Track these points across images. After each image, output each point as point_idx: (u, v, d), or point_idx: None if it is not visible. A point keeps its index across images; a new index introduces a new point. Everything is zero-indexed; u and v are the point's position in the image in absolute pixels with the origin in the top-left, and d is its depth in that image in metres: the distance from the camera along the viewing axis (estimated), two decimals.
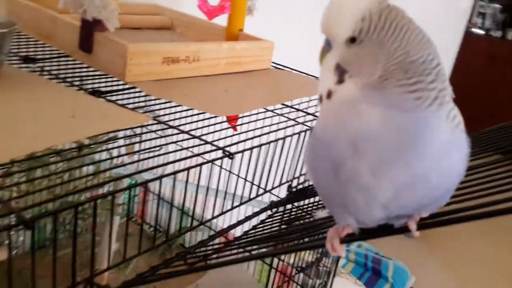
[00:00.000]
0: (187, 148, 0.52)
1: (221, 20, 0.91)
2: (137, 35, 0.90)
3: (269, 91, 0.78)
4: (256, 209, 0.73)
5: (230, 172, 0.85)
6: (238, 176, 0.80)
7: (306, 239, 0.46)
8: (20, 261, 0.88)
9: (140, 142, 0.93)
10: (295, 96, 0.78)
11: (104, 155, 0.85)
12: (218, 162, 0.67)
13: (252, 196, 0.71)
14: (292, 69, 0.93)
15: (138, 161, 0.85)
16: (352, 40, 0.33)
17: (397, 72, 0.32)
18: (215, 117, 0.62)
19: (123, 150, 0.91)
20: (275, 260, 0.96)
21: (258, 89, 0.77)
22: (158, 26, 0.99)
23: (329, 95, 0.34)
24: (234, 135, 0.68)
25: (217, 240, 0.66)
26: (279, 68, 0.94)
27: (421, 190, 0.34)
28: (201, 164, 0.52)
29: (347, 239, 0.38)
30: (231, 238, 0.92)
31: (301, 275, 0.97)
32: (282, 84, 0.84)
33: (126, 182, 0.94)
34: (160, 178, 0.51)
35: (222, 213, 0.66)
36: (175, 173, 0.50)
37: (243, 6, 0.89)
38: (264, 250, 0.50)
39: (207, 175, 0.78)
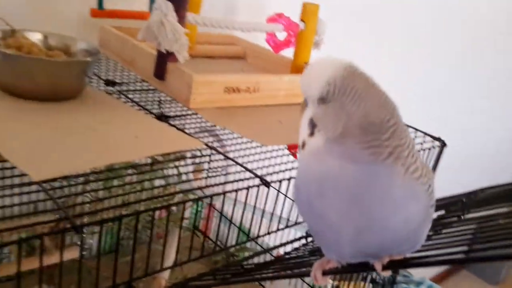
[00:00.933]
0: (231, 173, 0.57)
1: (291, 52, 0.97)
2: (210, 63, 0.98)
3: None
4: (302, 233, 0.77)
5: (286, 196, 0.89)
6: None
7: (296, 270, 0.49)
8: (91, 262, 0.99)
9: (203, 162, 1.00)
10: None
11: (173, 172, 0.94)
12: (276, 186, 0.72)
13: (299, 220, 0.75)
14: None
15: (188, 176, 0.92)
16: (322, 100, 0.38)
17: (355, 131, 0.37)
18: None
19: (190, 168, 0.99)
20: None
21: None
22: (232, 55, 1.07)
23: (303, 146, 0.40)
24: (285, 162, 0.72)
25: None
26: None
27: (378, 233, 0.38)
28: (237, 190, 0.57)
29: (329, 271, 0.43)
30: (278, 255, 0.96)
31: None
32: None
33: (191, 197, 1.02)
34: (208, 196, 0.56)
35: (268, 233, 0.71)
36: (223, 193, 0.55)
37: (309, 41, 0.94)
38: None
39: (262, 197, 0.83)
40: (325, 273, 0.43)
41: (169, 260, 0.94)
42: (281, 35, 0.93)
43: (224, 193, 0.55)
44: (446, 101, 2.15)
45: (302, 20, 0.93)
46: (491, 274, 2.85)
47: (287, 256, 0.61)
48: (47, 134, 0.55)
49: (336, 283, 1.04)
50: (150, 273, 0.56)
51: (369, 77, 0.39)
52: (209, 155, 1.13)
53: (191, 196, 0.99)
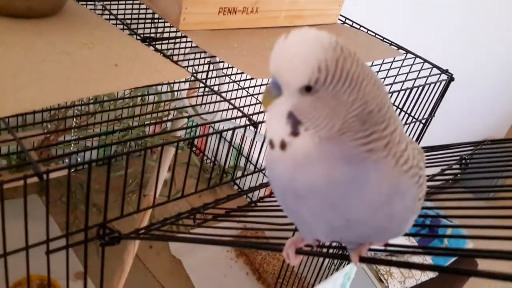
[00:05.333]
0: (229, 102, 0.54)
1: None
2: None
3: None
4: None
5: None
6: None
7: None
8: (83, 175, 0.99)
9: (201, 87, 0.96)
10: None
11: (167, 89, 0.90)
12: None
13: None
14: (362, 26, 0.89)
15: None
16: (307, 89, 0.31)
17: (355, 124, 0.31)
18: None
19: (184, 87, 0.95)
20: None
21: None
22: None
23: (283, 146, 0.33)
24: None
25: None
26: (348, 24, 0.90)
27: (357, 231, 0.35)
28: (222, 131, 0.53)
29: (303, 252, 0.39)
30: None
31: None
32: None
33: (185, 116, 0.99)
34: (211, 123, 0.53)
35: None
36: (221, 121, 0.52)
37: None
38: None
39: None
40: (298, 252, 0.40)
41: (160, 176, 0.93)
42: None
43: (211, 133, 0.52)
44: (456, 34, 2.03)
45: None
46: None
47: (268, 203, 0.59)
48: (19, 59, 0.50)
49: None
50: (125, 214, 0.54)
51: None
52: (206, 72, 1.08)
53: (185, 115, 0.97)
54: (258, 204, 0.64)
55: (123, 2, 0.79)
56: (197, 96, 1.00)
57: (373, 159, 0.31)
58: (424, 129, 0.84)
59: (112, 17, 0.68)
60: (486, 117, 2.66)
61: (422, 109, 0.82)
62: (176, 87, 0.94)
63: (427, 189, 0.48)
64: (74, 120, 0.94)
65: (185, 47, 0.95)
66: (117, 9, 0.77)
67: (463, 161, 0.57)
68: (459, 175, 0.51)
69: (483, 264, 1.71)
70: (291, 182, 0.33)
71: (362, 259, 0.36)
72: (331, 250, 0.73)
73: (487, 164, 0.55)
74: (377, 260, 0.38)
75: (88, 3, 0.71)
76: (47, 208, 0.42)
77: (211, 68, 1.05)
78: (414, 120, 0.82)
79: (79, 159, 1.05)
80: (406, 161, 0.33)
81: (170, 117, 1.03)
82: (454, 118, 2.34)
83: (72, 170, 0.99)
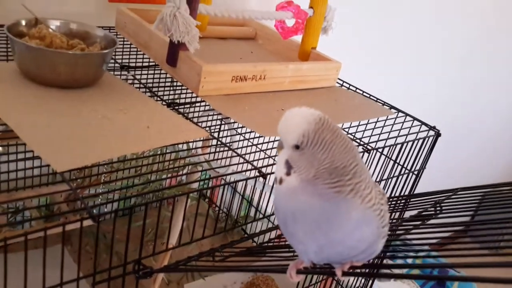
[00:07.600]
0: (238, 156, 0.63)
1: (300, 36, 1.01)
2: (220, 45, 1.02)
3: (324, 112, 0.87)
4: None
5: None
6: None
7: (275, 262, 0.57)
8: (106, 226, 1.07)
9: (212, 146, 1.06)
10: (350, 118, 0.86)
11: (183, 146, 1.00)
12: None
13: None
14: (358, 88, 1.01)
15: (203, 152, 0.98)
16: (297, 147, 0.46)
17: (324, 174, 0.45)
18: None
19: (199, 144, 1.06)
20: None
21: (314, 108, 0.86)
22: (243, 36, 1.11)
23: (281, 182, 0.47)
24: None
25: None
26: (345, 87, 1.01)
27: (338, 249, 0.47)
28: (236, 181, 0.63)
29: (302, 272, 0.52)
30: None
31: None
32: (339, 104, 0.92)
33: (200, 169, 1.09)
34: (223, 175, 0.63)
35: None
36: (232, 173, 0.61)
37: (317, 28, 0.98)
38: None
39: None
40: (298, 272, 0.52)
41: (177, 226, 1.01)
42: (290, 22, 0.96)
43: (224, 184, 0.61)
44: (443, 93, 2.17)
45: (311, 7, 0.97)
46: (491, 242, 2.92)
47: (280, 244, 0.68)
48: (67, 123, 0.61)
49: None
50: (157, 252, 0.63)
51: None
52: (218, 131, 1.19)
53: (199, 168, 1.06)
54: (267, 245, 0.72)
55: (146, 71, 0.91)
56: (210, 152, 1.10)
57: (342, 198, 0.45)
58: (417, 180, 0.93)
59: (141, 85, 0.79)
60: (485, 169, 2.73)
61: (414, 161, 0.91)
62: (191, 143, 1.04)
63: (409, 227, 0.57)
64: (103, 176, 1.03)
65: (199, 111, 1.07)
66: (141, 78, 0.89)
67: (437, 205, 0.66)
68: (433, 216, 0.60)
69: None
70: (285, 206, 0.48)
71: (344, 273, 0.49)
72: None
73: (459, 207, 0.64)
74: (357, 273, 0.47)
75: (118, 72, 0.83)
76: (96, 244, 0.51)
77: (222, 127, 1.16)
78: (407, 171, 0.91)
79: (106, 209, 1.14)
80: (370, 200, 0.46)
81: (185, 170, 1.13)
82: (451, 169, 2.42)
83: (100, 219, 1.07)
